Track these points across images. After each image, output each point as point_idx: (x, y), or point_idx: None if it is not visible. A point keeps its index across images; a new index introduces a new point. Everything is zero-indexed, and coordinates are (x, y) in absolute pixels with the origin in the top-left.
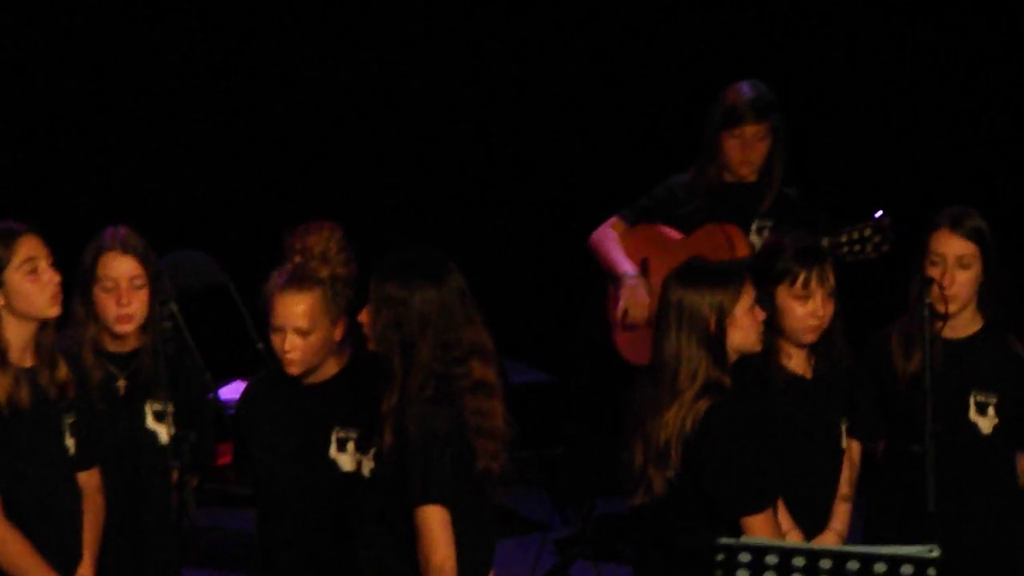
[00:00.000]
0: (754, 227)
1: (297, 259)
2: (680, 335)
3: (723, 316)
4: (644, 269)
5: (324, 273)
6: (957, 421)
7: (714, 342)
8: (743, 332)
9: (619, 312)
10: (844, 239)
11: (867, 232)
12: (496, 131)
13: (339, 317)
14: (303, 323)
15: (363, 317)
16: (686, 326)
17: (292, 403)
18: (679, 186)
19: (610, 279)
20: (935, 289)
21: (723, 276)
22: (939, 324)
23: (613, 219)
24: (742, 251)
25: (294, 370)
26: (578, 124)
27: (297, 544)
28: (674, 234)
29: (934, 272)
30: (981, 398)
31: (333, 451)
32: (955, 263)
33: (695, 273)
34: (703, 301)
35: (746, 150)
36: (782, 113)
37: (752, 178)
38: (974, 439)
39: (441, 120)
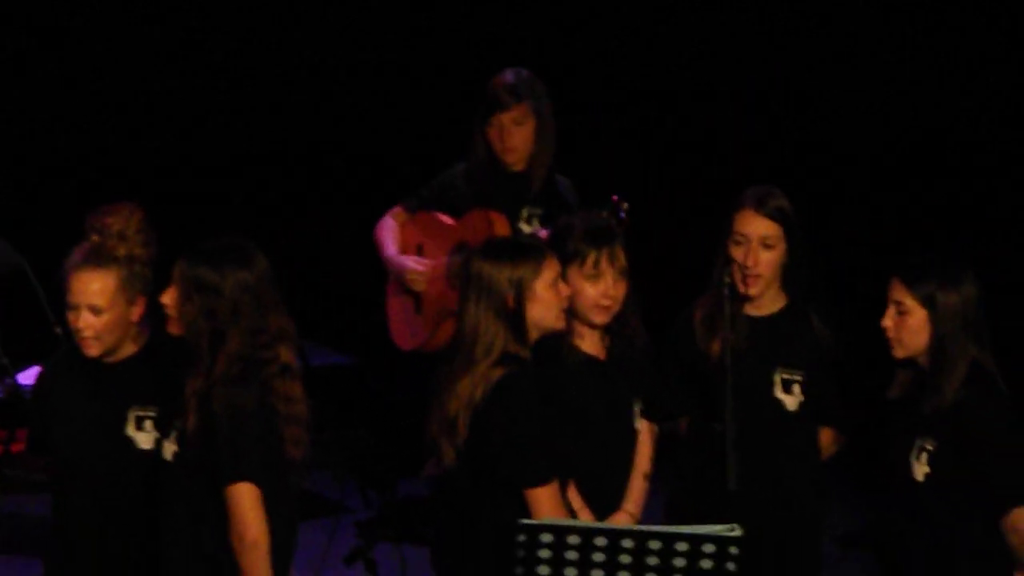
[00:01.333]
0: (524, 214)
1: (95, 238)
2: (479, 307)
3: (522, 291)
4: (419, 255)
5: (121, 252)
6: (762, 398)
7: (513, 316)
8: (543, 307)
9: (407, 283)
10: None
11: (603, 215)
12: (295, 115)
13: (136, 297)
14: (98, 301)
15: (166, 299)
16: (484, 298)
17: (89, 383)
18: (457, 174)
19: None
20: (738, 268)
21: (524, 251)
22: (742, 303)
23: (396, 208)
24: (501, 232)
25: (90, 350)
26: (378, 109)
27: (96, 526)
28: (448, 220)
29: (737, 252)
30: (786, 375)
31: (131, 429)
32: (758, 243)
33: (496, 247)
34: (502, 274)
35: (505, 136)
36: (544, 99)
37: (519, 166)
38: (779, 416)
39: (241, 106)
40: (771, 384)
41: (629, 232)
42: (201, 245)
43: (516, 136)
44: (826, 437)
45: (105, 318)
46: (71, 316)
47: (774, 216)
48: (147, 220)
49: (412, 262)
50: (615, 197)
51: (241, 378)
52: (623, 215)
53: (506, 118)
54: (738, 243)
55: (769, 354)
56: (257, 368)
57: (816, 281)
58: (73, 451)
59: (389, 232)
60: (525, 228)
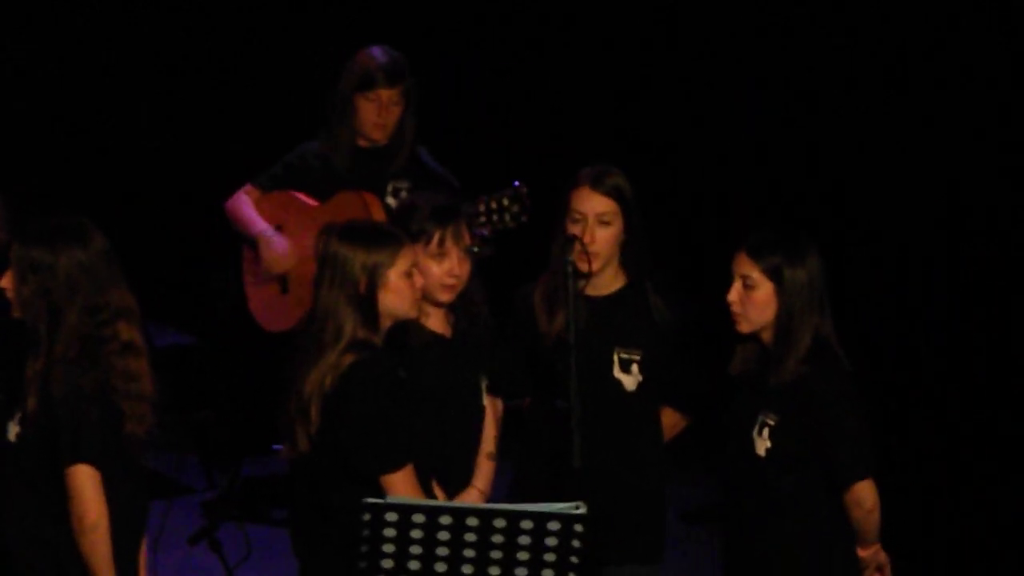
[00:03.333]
0: (389, 188)
1: None
2: (331, 291)
3: (375, 277)
4: (282, 231)
5: None
6: (601, 378)
7: (364, 302)
8: (395, 296)
9: (264, 267)
10: (482, 208)
11: (505, 202)
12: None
13: None
14: None
15: (4, 283)
16: (337, 282)
17: None
18: (311, 152)
19: (246, 242)
20: (577, 246)
21: (380, 237)
22: (582, 282)
23: (247, 186)
24: (378, 216)
25: None
26: (224, 89)
27: None
28: (310, 201)
29: (575, 229)
30: (624, 355)
31: None
32: (595, 220)
33: (353, 231)
34: (356, 259)
35: (381, 113)
36: (414, 78)
37: (384, 141)
38: (618, 396)
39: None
40: (610, 363)
41: (529, 219)
42: (34, 225)
43: (392, 114)
44: (668, 417)
45: None
46: None
47: (610, 193)
48: None
49: (279, 244)
50: (516, 183)
51: (80, 358)
52: (524, 202)
53: (384, 96)
54: (575, 221)
55: (608, 334)
56: (97, 346)
57: (654, 259)
58: None
59: (249, 208)
60: (392, 202)
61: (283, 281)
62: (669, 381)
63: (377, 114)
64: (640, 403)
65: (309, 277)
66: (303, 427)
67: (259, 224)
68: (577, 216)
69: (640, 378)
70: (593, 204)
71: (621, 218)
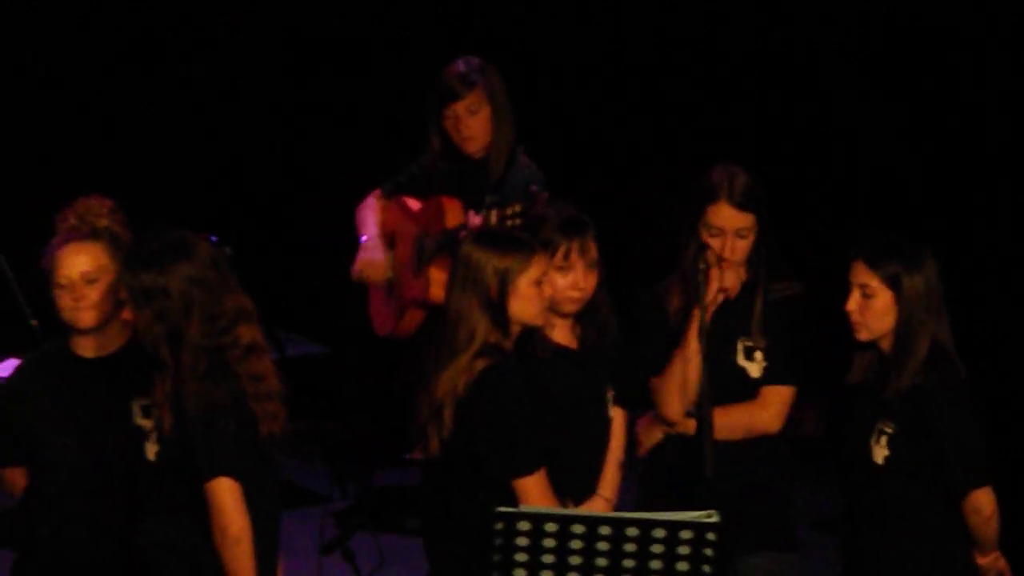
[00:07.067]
0: (487, 201)
1: (73, 222)
2: (464, 295)
3: (506, 283)
4: (392, 241)
5: (103, 224)
6: (726, 366)
7: (495, 307)
8: (524, 303)
9: (353, 272)
10: (509, 212)
11: (519, 208)
12: (269, 105)
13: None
14: (90, 268)
15: (127, 315)
16: (470, 287)
17: (83, 382)
18: (425, 161)
19: None
20: (710, 257)
21: (513, 244)
22: (712, 288)
23: (375, 191)
24: (452, 221)
25: (85, 321)
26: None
27: (84, 523)
28: (414, 207)
29: (712, 243)
30: (749, 343)
31: (139, 419)
32: (733, 235)
33: (488, 237)
34: (488, 264)
35: (460, 126)
36: (497, 84)
37: (480, 154)
38: (742, 383)
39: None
40: (734, 351)
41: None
42: (136, 251)
43: (472, 124)
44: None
45: (99, 287)
46: (62, 296)
47: (748, 207)
48: (118, 207)
49: (373, 252)
50: (533, 187)
51: (209, 372)
52: (537, 206)
53: (460, 107)
54: (712, 235)
55: (733, 322)
56: (221, 355)
57: (775, 256)
58: (78, 457)
59: (370, 214)
60: (487, 214)
61: (389, 287)
62: (790, 365)
63: (456, 127)
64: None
65: (405, 285)
66: (435, 430)
67: (367, 230)
68: (714, 231)
69: (764, 364)
70: (732, 221)
71: (757, 227)
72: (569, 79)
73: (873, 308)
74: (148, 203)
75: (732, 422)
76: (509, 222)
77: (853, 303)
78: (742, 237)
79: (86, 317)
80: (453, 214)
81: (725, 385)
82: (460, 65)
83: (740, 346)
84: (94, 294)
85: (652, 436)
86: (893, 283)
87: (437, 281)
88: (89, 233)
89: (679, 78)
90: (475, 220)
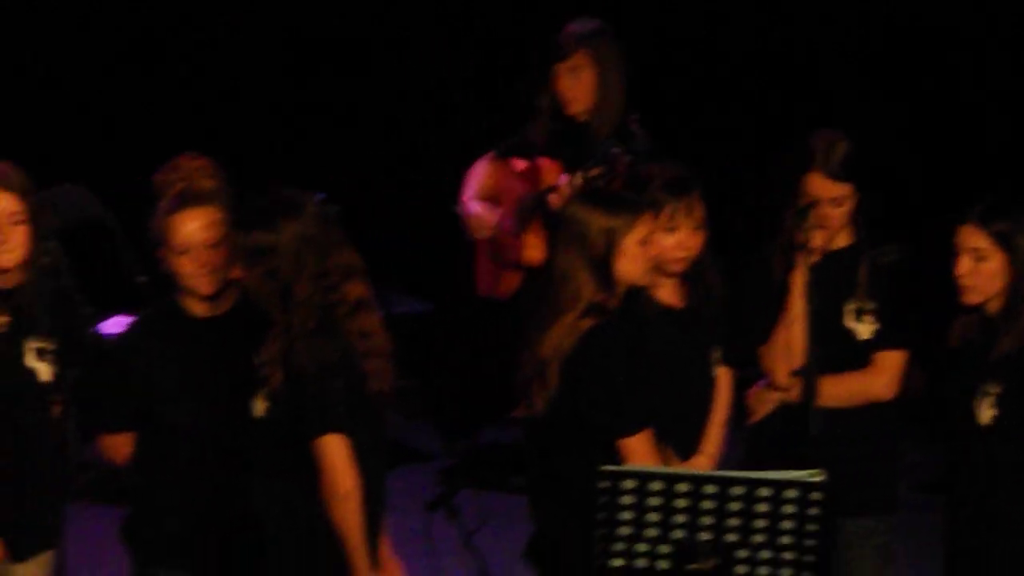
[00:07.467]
0: (586, 165)
1: (180, 185)
2: (569, 253)
3: (612, 242)
4: (497, 203)
5: (211, 185)
6: (833, 328)
7: (600, 266)
8: (629, 262)
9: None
10: (594, 173)
11: (600, 170)
12: (377, 59)
13: None
14: (210, 234)
15: (236, 274)
16: (575, 245)
17: (191, 337)
18: (539, 122)
19: None
20: (811, 219)
21: (619, 202)
22: (814, 252)
23: (489, 153)
24: (547, 183)
25: (207, 287)
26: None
27: (199, 482)
28: (519, 167)
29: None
30: (858, 305)
31: (250, 376)
32: (829, 203)
33: (594, 195)
34: (594, 222)
35: (561, 86)
36: (609, 50)
37: (584, 116)
38: (851, 345)
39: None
40: (840, 313)
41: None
42: (245, 210)
43: (575, 85)
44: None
45: (219, 251)
46: (183, 262)
47: (843, 177)
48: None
49: (479, 209)
50: (614, 150)
51: (319, 329)
52: (620, 168)
53: (563, 67)
54: (808, 204)
55: (840, 285)
56: (330, 312)
57: (878, 218)
58: (197, 416)
59: (475, 177)
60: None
61: (493, 248)
62: (901, 327)
63: (562, 85)
64: (872, 352)
65: (504, 246)
66: (540, 389)
67: (466, 191)
68: (810, 199)
69: (875, 327)
70: (827, 190)
71: (854, 193)
72: None
73: (984, 271)
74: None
75: (846, 390)
76: (591, 184)
77: (964, 267)
78: (838, 205)
79: (209, 282)
80: (550, 176)
81: (833, 347)
82: (573, 26)
83: (848, 308)
84: (216, 259)
85: (764, 405)
86: (1005, 243)
87: (530, 243)
88: (203, 194)
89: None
90: (561, 182)
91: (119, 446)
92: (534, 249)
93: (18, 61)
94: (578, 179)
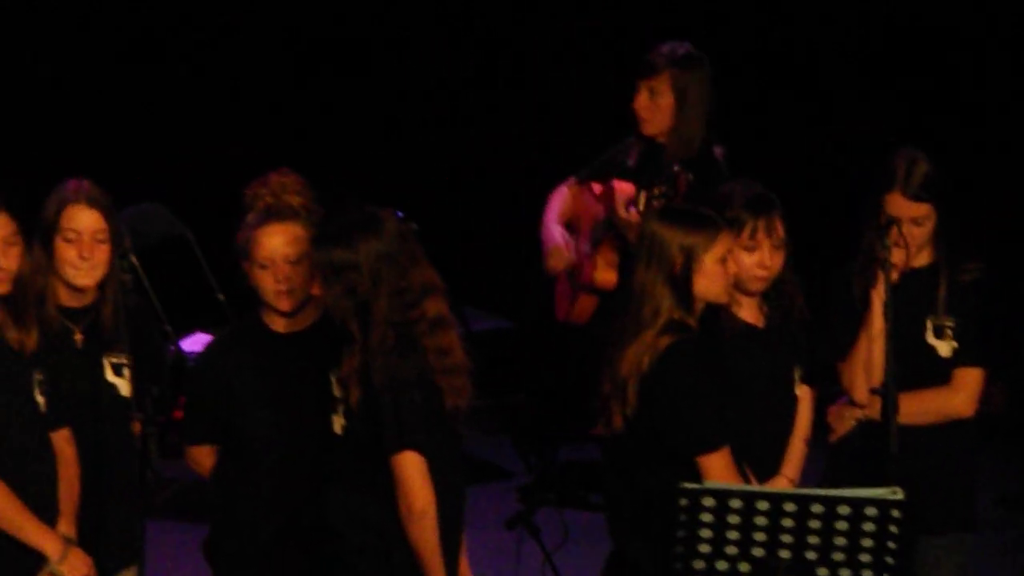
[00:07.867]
0: (656, 191)
1: (268, 199)
2: (649, 270)
3: (691, 260)
4: (579, 225)
5: (297, 202)
6: (915, 344)
7: (680, 283)
8: (708, 280)
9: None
10: (657, 192)
11: (664, 188)
12: (454, 80)
13: None
14: (291, 250)
15: (315, 290)
16: (655, 263)
17: (273, 353)
18: (625, 146)
19: None
20: (893, 234)
21: (698, 220)
22: (894, 269)
23: (570, 179)
24: (603, 207)
25: (285, 304)
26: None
27: (279, 496)
28: (597, 191)
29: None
30: (939, 322)
31: (335, 392)
32: (910, 222)
33: (674, 213)
34: (674, 240)
35: (639, 106)
36: (692, 75)
37: (661, 139)
38: (932, 362)
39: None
40: (923, 330)
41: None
42: (325, 228)
43: (650, 106)
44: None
45: (300, 268)
46: (263, 277)
47: (923, 197)
48: (306, 182)
49: (558, 238)
50: (676, 167)
51: (397, 346)
52: (681, 186)
53: (644, 84)
54: (889, 222)
55: (922, 302)
56: (408, 329)
57: (961, 238)
58: (277, 431)
59: (556, 201)
60: (648, 200)
61: (571, 272)
62: (980, 346)
63: (638, 105)
64: (952, 369)
65: (580, 271)
66: (619, 407)
67: (546, 216)
68: (890, 219)
69: (955, 344)
70: (907, 210)
71: (935, 213)
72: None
73: None
74: (331, 176)
75: (925, 407)
76: (656, 203)
77: None
78: (918, 225)
79: (288, 300)
80: (617, 194)
81: (913, 364)
82: (665, 46)
83: (929, 324)
84: (295, 276)
85: (844, 423)
86: None
87: (601, 265)
88: (288, 211)
89: None
90: (619, 201)
91: (202, 458)
92: (605, 271)
93: (98, 88)
94: (642, 199)
